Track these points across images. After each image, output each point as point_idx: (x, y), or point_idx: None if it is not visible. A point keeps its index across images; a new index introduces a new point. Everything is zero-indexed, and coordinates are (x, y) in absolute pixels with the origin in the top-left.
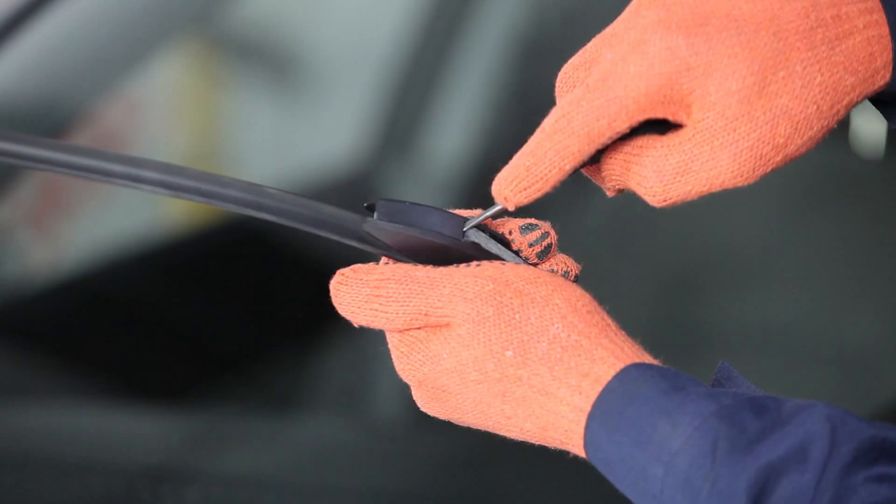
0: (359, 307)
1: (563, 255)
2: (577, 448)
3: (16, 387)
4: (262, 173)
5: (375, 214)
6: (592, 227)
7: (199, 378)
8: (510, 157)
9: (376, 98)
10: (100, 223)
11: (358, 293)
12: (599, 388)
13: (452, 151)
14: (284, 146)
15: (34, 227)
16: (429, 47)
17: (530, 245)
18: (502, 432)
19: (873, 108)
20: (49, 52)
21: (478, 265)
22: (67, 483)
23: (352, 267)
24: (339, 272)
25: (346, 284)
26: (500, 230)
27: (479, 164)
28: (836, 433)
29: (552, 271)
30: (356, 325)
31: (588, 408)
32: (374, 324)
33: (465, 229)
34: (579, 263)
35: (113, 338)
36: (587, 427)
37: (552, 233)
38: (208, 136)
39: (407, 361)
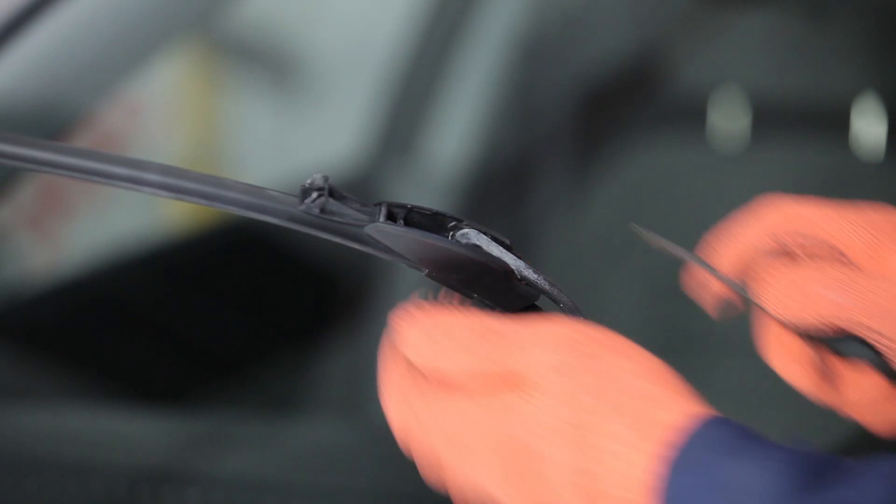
0: (428, 350)
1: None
2: (637, 493)
3: (15, 388)
4: (262, 176)
5: (379, 217)
6: (592, 230)
7: (199, 380)
8: (511, 161)
9: (376, 100)
10: (99, 225)
11: (428, 335)
12: (671, 435)
13: (452, 154)
14: (284, 149)
15: (34, 229)
16: (429, 49)
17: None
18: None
19: (873, 110)
20: (49, 54)
21: (550, 318)
22: (67, 484)
23: (418, 306)
24: (405, 310)
25: (414, 325)
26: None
27: (479, 167)
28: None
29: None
30: (419, 366)
31: (661, 452)
32: (441, 369)
33: (464, 231)
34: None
35: (113, 340)
36: (666, 475)
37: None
38: (209, 138)
39: (483, 418)
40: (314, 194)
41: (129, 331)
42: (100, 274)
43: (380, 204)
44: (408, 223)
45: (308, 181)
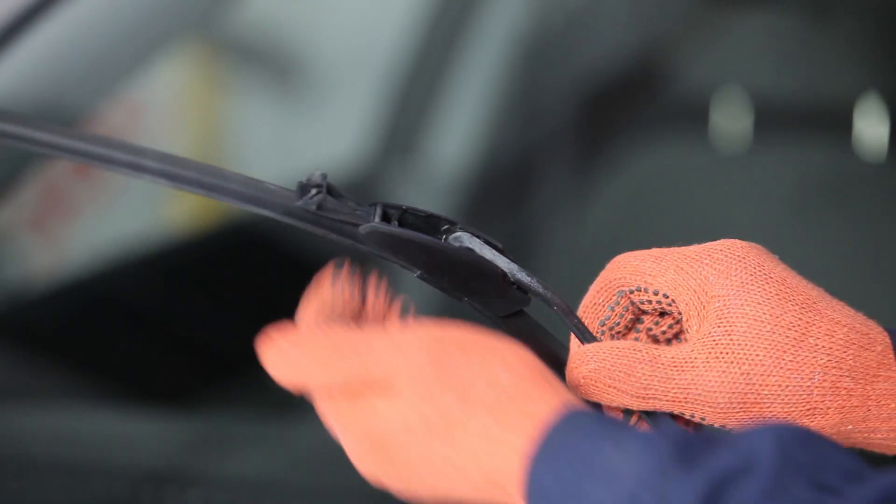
0: (294, 375)
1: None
2: (520, 493)
3: (18, 390)
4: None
5: (375, 218)
6: (595, 231)
7: (201, 381)
8: (513, 162)
9: (379, 101)
10: (101, 226)
11: (291, 360)
12: (542, 427)
13: (454, 155)
14: (287, 149)
15: (36, 230)
16: (431, 50)
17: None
18: (448, 488)
19: (875, 110)
20: (52, 54)
21: (410, 323)
22: (70, 486)
23: (277, 331)
24: (266, 336)
25: (278, 352)
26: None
27: (481, 168)
28: (785, 447)
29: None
30: (287, 388)
31: (527, 444)
32: (312, 389)
33: (457, 234)
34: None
35: (115, 341)
36: (530, 465)
37: None
38: (211, 139)
39: (348, 422)
40: (312, 191)
41: (131, 332)
42: (102, 275)
43: (375, 204)
44: (402, 224)
45: (307, 178)
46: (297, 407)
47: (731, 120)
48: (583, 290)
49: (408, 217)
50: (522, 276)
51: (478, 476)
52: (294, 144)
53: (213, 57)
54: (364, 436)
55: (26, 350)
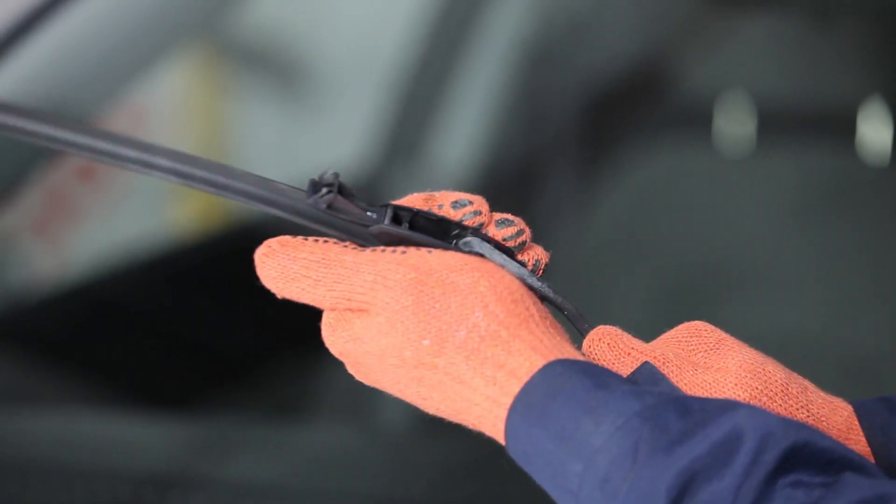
0: (285, 283)
1: (535, 247)
2: (490, 433)
3: (21, 393)
4: None
5: (386, 220)
6: (598, 235)
7: (205, 385)
8: (517, 165)
9: (382, 104)
10: (105, 230)
11: (285, 269)
12: (513, 380)
13: (458, 158)
14: (290, 153)
15: (40, 234)
16: (435, 54)
17: (504, 239)
18: (419, 406)
19: (879, 114)
20: (55, 59)
21: (403, 252)
22: (73, 489)
23: (279, 239)
24: (266, 243)
25: (273, 258)
26: (477, 221)
27: (484, 172)
28: (763, 440)
29: (523, 262)
30: (279, 297)
31: (503, 399)
32: (300, 300)
33: (467, 239)
34: (583, 272)
35: (118, 344)
36: (508, 419)
37: (527, 230)
38: (214, 142)
39: (332, 335)
40: (323, 190)
41: (134, 335)
42: (105, 279)
43: (386, 206)
44: (413, 227)
45: (318, 176)
46: (300, 411)
47: (734, 124)
48: (588, 293)
49: (419, 220)
50: (533, 281)
51: (447, 410)
52: (298, 148)
53: (216, 61)
54: (342, 350)
55: (30, 354)
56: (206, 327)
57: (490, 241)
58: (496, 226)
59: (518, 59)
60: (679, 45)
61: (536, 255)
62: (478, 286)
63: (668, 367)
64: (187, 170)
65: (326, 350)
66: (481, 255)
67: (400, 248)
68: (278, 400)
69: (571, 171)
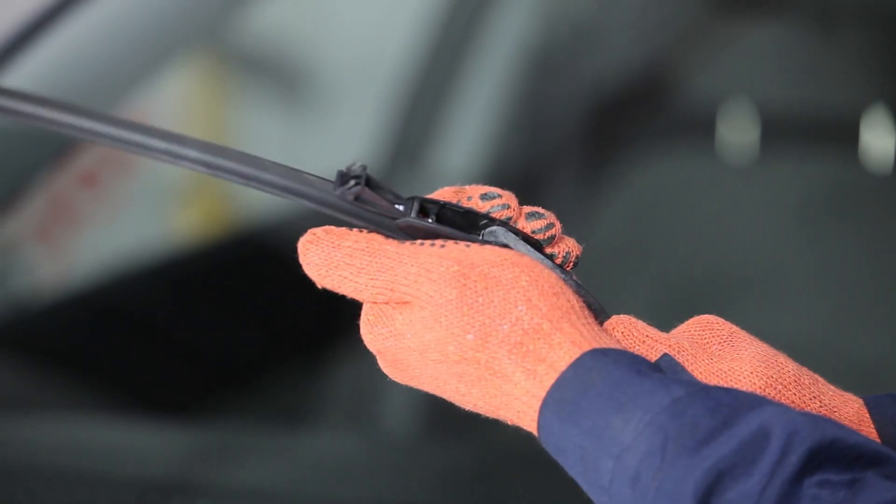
0: (327, 270)
1: (567, 239)
2: (529, 428)
3: (26, 400)
4: None
5: (412, 213)
6: (603, 239)
7: (208, 392)
8: (519, 172)
9: (386, 111)
10: (108, 237)
11: (328, 256)
12: (555, 375)
13: (462, 165)
14: (294, 160)
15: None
16: (438, 61)
17: (534, 232)
18: (455, 403)
19: (882, 122)
20: (58, 66)
21: (443, 245)
22: (77, 495)
23: (324, 228)
24: (310, 231)
25: (317, 245)
26: (505, 215)
27: (488, 178)
28: (789, 439)
29: (554, 255)
30: (319, 287)
31: (541, 393)
32: (340, 290)
33: (493, 228)
34: (586, 279)
35: (122, 351)
36: (541, 414)
37: (557, 223)
38: None
39: (372, 331)
40: (351, 182)
41: (138, 342)
42: (108, 285)
43: (413, 198)
44: (440, 220)
45: (346, 167)
46: (303, 417)
47: (737, 131)
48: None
49: (446, 212)
50: (558, 273)
51: (486, 407)
52: (301, 155)
53: (220, 68)
54: (381, 347)
55: (34, 360)
56: (209, 334)
57: (517, 232)
58: (526, 218)
59: (522, 66)
60: (682, 53)
61: (567, 247)
62: (519, 280)
63: (683, 355)
64: (216, 160)
65: (329, 357)
66: (506, 245)
67: (438, 242)
68: (281, 406)
69: (575, 177)
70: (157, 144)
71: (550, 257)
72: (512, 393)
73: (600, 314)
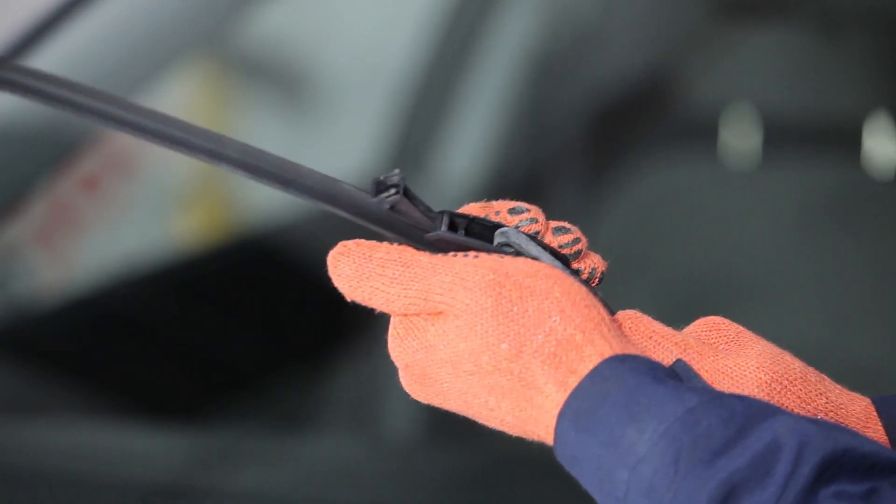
0: (359, 282)
1: (593, 254)
2: (552, 443)
3: (28, 404)
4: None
5: (443, 226)
6: (604, 243)
7: (210, 396)
8: (522, 178)
9: (388, 117)
10: (109, 241)
11: (360, 267)
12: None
13: (464, 170)
14: None
15: (44, 245)
16: (441, 66)
17: (561, 246)
18: (481, 421)
19: (885, 128)
20: (61, 72)
21: (476, 256)
22: (80, 499)
23: (355, 241)
24: (341, 243)
25: (349, 256)
26: (533, 229)
27: (491, 184)
28: (800, 449)
29: (580, 270)
30: (349, 300)
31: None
32: (371, 302)
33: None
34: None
35: (125, 355)
36: (558, 424)
37: (583, 238)
38: None
39: (401, 344)
40: (391, 190)
41: (140, 346)
42: (110, 290)
43: (443, 213)
44: (468, 234)
45: (382, 175)
46: (306, 422)
47: (740, 137)
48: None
49: (474, 227)
50: (568, 274)
51: (514, 422)
52: (303, 160)
53: (221, 73)
54: (410, 361)
55: (36, 365)
56: (211, 338)
57: (545, 245)
58: (553, 233)
59: (525, 71)
60: (684, 58)
61: (593, 263)
62: (553, 291)
63: (689, 352)
64: (255, 163)
65: (331, 361)
66: (518, 245)
67: (472, 253)
68: (284, 410)
69: (577, 182)
70: (198, 143)
71: (577, 273)
72: (543, 406)
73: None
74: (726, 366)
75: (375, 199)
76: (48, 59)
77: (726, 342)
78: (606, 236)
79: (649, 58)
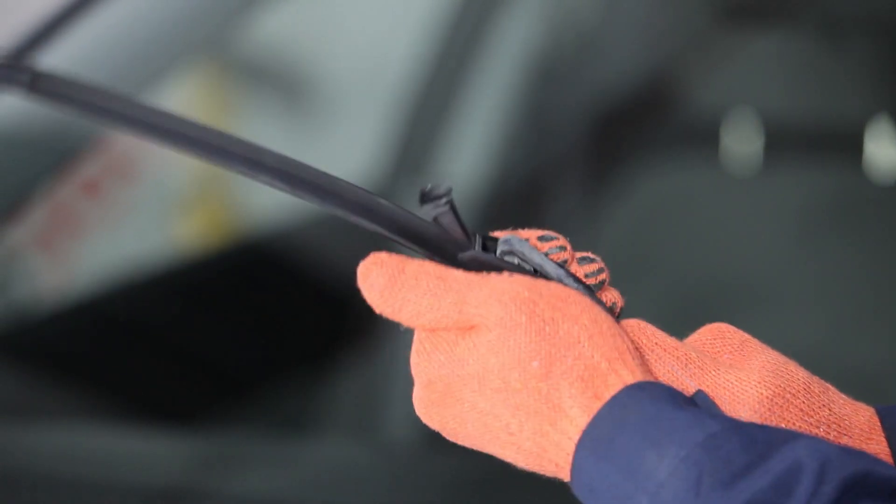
0: (391, 293)
1: (612, 289)
2: (567, 477)
3: (29, 408)
4: (274, 197)
5: (476, 245)
6: (605, 249)
7: (213, 400)
8: (524, 181)
9: (389, 120)
10: (110, 245)
11: (393, 278)
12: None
13: (466, 174)
14: None
15: (45, 249)
16: (443, 70)
17: (586, 276)
18: (495, 451)
19: (886, 133)
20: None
21: (510, 275)
22: (82, 503)
23: (388, 253)
24: (374, 254)
25: (383, 267)
26: (561, 258)
27: (492, 188)
28: (822, 469)
29: (600, 302)
30: (378, 312)
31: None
32: (401, 314)
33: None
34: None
35: (126, 360)
36: (576, 453)
37: (607, 269)
38: None
39: (428, 359)
40: (442, 200)
41: (141, 350)
42: (111, 294)
43: (475, 233)
44: (504, 257)
45: (429, 186)
46: (307, 426)
47: (742, 142)
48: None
49: (506, 247)
50: (570, 282)
51: (532, 448)
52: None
53: (222, 77)
54: (435, 376)
55: (37, 369)
56: (213, 342)
57: (572, 274)
58: (578, 262)
59: (526, 76)
60: (686, 63)
61: (613, 297)
62: (582, 317)
63: (690, 366)
64: (293, 174)
65: (333, 365)
66: (521, 254)
67: (506, 272)
68: (285, 415)
69: (578, 187)
70: (237, 152)
71: (601, 302)
72: (566, 430)
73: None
74: (728, 380)
75: (424, 209)
76: (51, 61)
77: (730, 351)
78: (609, 240)
79: (651, 62)
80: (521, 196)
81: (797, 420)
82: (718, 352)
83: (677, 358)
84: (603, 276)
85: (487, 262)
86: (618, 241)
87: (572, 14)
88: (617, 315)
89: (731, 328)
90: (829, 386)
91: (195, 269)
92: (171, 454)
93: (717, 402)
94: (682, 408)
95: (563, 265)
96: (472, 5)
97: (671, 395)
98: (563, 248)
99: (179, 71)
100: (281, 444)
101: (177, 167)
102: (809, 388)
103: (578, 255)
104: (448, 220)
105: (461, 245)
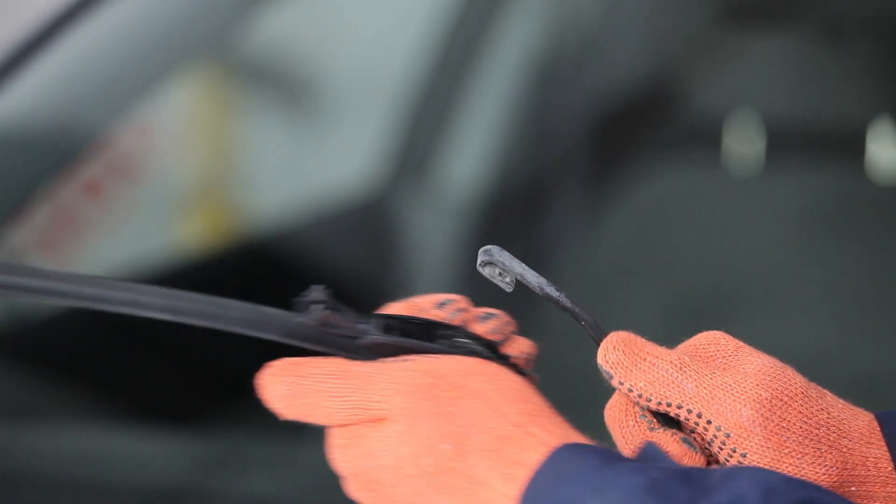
0: (295, 401)
1: (521, 339)
2: None
3: (31, 409)
4: (275, 198)
5: (376, 330)
6: (606, 253)
7: (215, 401)
8: (526, 183)
9: (390, 122)
10: (111, 247)
11: (295, 386)
12: (530, 475)
13: (467, 176)
14: (298, 171)
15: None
16: (444, 71)
17: (491, 332)
18: None
19: (888, 134)
20: (64, 77)
21: (410, 360)
22: None
23: (285, 360)
24: (271, 365)
25: (283, 376)
26: (463, 318)
27: (494, 189)
28: (765, 498)
29: (509, 356)
30: (283, 418)
31: (519, 495)
32: (311, 418)
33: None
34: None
35: (127, 361)
36: None
37: (512, 321)
38: (222, 161)
39: (344, 454)
40: (321, 306)
41: (144, 351)
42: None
43: (373, 316)
44: (403, 335)
45: (303, 294)
46: (309, 428)
47: (743, 143)
48: (596, 311)
49: (409, 327)
50: (551, 291)
51: None
52: (306, 166)
53: (224, 79)
54: (355, 469)
55: (38, 370)
56: (214, 343)
57: (478, 338)
58: (481, 320)
59: (527, 77)
60: (688, 64)
61: (522, 347)
62: (485, 390)
63: (685, 370)
64: (179, 305)
65: None
66: (502, 263)
67: (408, 357)
68: None
69: (580, 189)
70: (118, 296)
71: (507, 359)
72: (492, 499)
73: (595, 330)
74: (725, 383)
75: (306, 318)
76: (52, 63)
77: (724, 357)
78: (609, 241)
79: (652, 64)
80: (522, 197)
81: (797, 423)
82: (712, 357)
83: (672, 363)
84: (510, 328)
85: (389, 343)
86: (619, 242)
87: (573, 16)
88: (529, 362)
89: (726, 335)
90: (827, 392)
91: (196, 270)
92: (172, 455)
93: (716, 404)
94: (624, 460)
95: (484, 340)
96: (474, 7)
97: (610, 452)
98: (462, 310)
99: (182, 73)
100: (282, 445)
101: (180, 168)
102: (807, 391)
103: (480, 311)
104: (334, 319)
105: (358, 332)
